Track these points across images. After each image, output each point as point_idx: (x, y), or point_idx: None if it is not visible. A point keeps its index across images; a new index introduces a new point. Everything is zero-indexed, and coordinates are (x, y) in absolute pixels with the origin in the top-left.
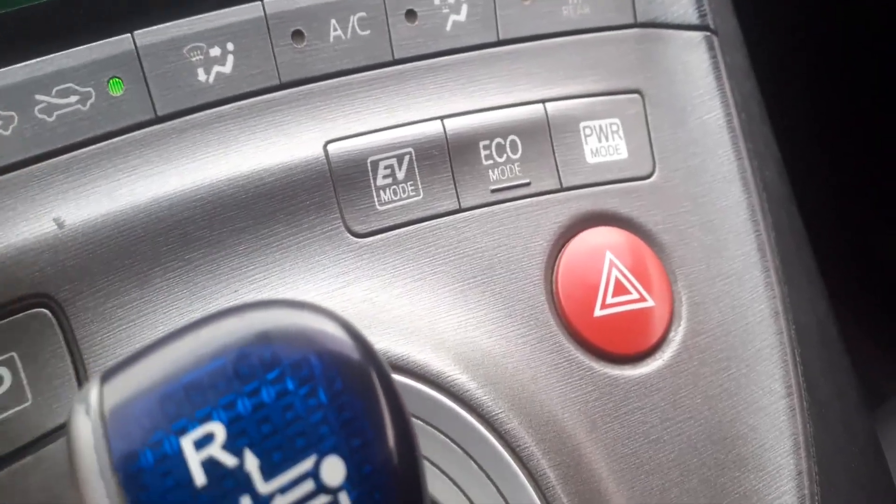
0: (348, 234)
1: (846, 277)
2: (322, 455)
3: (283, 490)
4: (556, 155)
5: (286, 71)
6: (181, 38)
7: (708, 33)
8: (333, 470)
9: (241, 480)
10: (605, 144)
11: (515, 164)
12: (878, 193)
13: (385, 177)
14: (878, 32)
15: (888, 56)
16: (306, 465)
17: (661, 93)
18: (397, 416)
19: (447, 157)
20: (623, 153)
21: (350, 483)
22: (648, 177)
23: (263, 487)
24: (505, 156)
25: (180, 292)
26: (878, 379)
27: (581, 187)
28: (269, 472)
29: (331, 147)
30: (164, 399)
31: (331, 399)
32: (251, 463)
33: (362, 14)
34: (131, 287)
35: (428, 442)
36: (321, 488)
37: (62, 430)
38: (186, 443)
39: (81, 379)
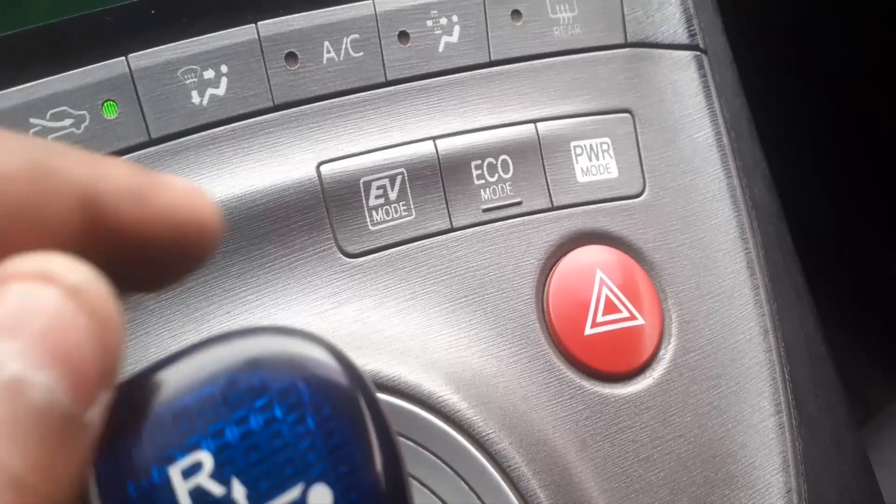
0: (341, 255)
1: (835, 292)
2: (309, 483)
3: None
4: (547, 174)
5: (280, 93)
6: (175, 61)
7: (697, 52)
8: (320, 497)
9: None
10: (595, 163)
11: (507, 184)
12: (866, 209)
13: (377, 197)
14: (868, 49)
15: (877, 73)
16: (294, 493)
17: (651, 112)
18: (384, 440)
19: (439, 178)
20: (613, 172)
21: None
22: (638, 195)
23: None
24: (496, 175)
25: (172, 314)
26: (868, 391)
27: (572, 206)
28: (256, 500)
29: (323, 168)
30: (152, 428)
31: (318, 426)
32: (238, 492)
33: (355, 36)
34: (124, 309)
35: (418, 462)
36: None
37: None
38: (174, 472)
39: None
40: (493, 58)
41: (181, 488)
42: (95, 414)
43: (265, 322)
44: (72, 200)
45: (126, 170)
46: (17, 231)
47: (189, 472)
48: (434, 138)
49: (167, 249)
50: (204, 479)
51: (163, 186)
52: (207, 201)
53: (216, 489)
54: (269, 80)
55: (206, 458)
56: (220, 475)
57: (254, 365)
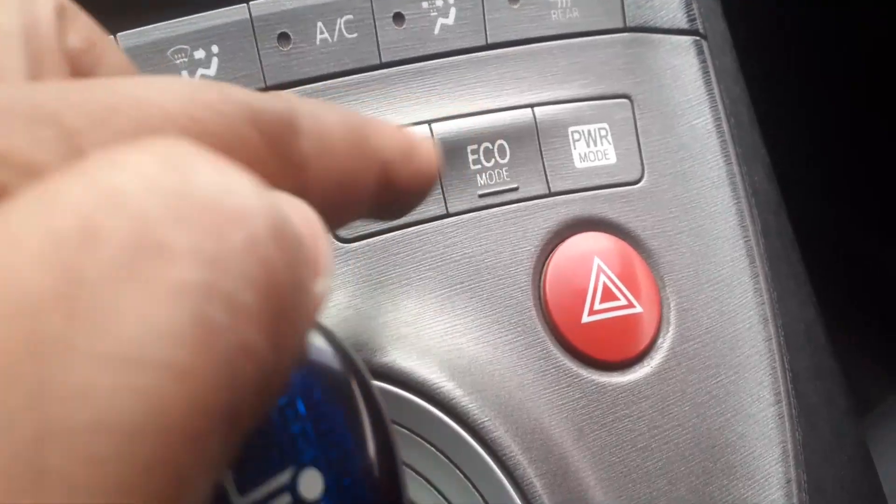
0: (334, 240)
1: (834, 283)
2: (299, 468)
3: None
4: (545, 160)
5: (272, 74)
6: (165, 41)
7: (697, 37)
8: (311, 483)
9: (215, 494)
10: (593, 149)
11: (503, 169)
12: (867, 198)
13: None
14: (869, 36)
15: (878, 60)
16: (283, 478)
17: (649, 97)
18: (378, 426)
19: None
20: (612, 158)
21: (328, 496)
22: (637, 182)
23: (239, 501)
24: (493, 160)
25: None
26: (866, 386)
27: (569, 192)
28: (244, 486)
29: None
30: None
31: (309, 410)
32: (226, 476)
33: (349, 17)
34: None
35: (413, 450)
36: (299, 502)
37: None
38: None
39: None
40: (489, 41)
41: None
42: (321, 290)
43: None
44: (376, 165)
45: (394, 133)
46: (340, 195)
47: None
48: (429, 122)
49: (410, 199)
50: None
51: (419, 146)
52: (435, 158)
53: None
54: (260, 61)
55: None
56: None
57: None
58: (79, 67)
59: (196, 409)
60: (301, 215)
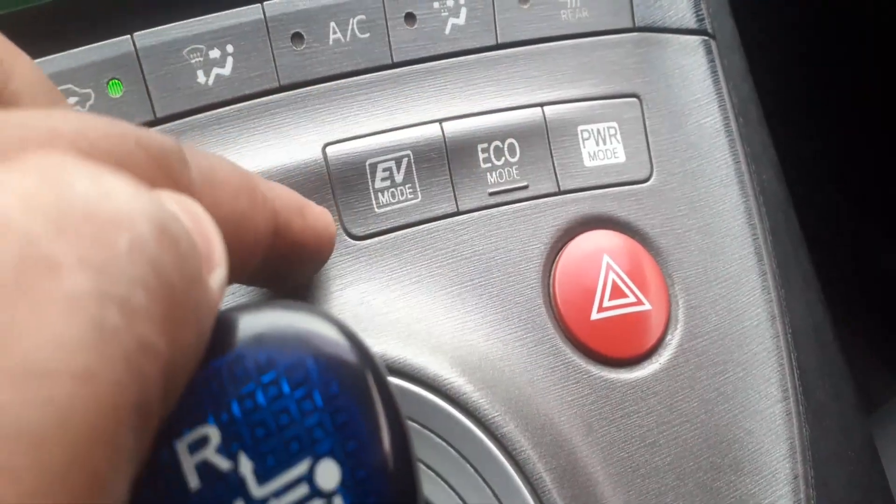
0: (346, 237)
1: (842, 283)
2: (317, 459)
3: (277, 494)
4: (554, 158)
5: (285, 73)
6: (181, 40)
7: (706, 37)
8: (328, 474)
9: (234, 484)
10: (602, 148)
11: (513, 168)
12: (876, 197)
13: (383, 179)
14: (877, 36)
15: (887, 60)
16: (301, 468)
17: (658, 97)
18: (393, 419)
19: (445, 160)
20: (621, 157)
21: (345, 487)
22: (646, 180)
23: (257, 491)
24: (503, 159)
25: None
26: (873, 385)
27: (578, 191)
28: (263, 476)
29: (329, 149)
30: None
31: (326, 402)
32: (245, 467)
33: (361, 17)
34: None
35: (424, 445)
36: (316, 492)
37: None
38: (181, 446)
39: None
40: (500, 40)
41: (187, 462)
42: (217, 282)
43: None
44: (267, 211)
45: (285, 189)
46: (235, 235)
47: (195, 447)
48: (440, 121)
49: (309, 254)
50: (211, 454)
51: (311, 206)
52: (331, 220)
53: (223, 464)
54: (274, 61)
55: (212, 432)
56: (226, 450)
57: (261, 340)
58: None
59: (103, 410)
60: (188, 210)
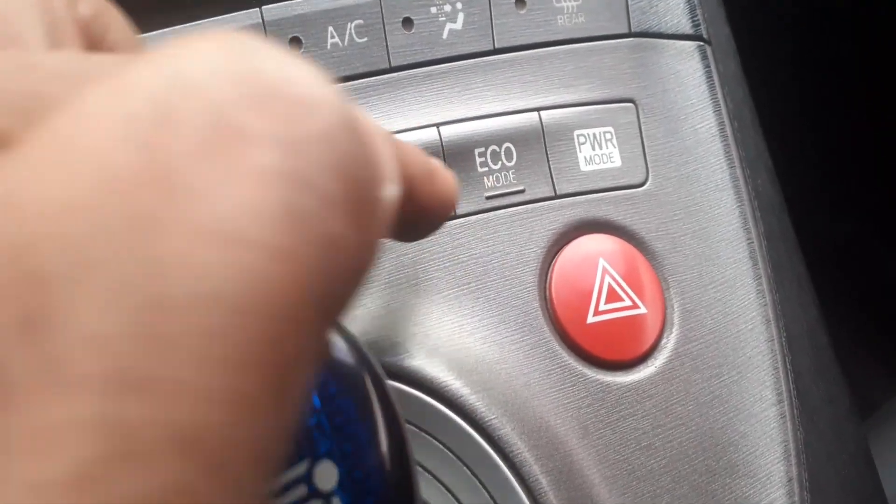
0: None
1: (836, 286)
2: (315, 460)
3: (276, 494)
4: (551, 163)
5: None
6: None
7: (701, 43)
8: (326, 475)
9: None
10: (598, 152)
11: (510, 172)
12: (869, 201)
13: None
14: (871, 41)
15: (880, 64)
16: (299, 469)
17: (654, 102)
18: (390, 421)
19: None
20: (617, 161)
21: (342, 488)
22: (642, 185)
23: None
24: (500, 163)
25: None
26: (868, 388)
27: (575, 195)
28: None
29: None
30: None
31: (324, 403)
32: None
33: (359, 21)
34: None
35: (421, 447)
36: (314, 493)
37: None
38: None
39: None
40: (496, 45)
41: None
42: (389, 195)
43: None
44: (404, 180)
45: (419, 154)
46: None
47: None
48: (438, 125)
49: (430, 219)
50: None
51: (441, 170)
52: (455, 184)
53: None
54: None
55: None
56: None
57: None
58: (90, 36)
59: (295, 292)
60: (366, 118)
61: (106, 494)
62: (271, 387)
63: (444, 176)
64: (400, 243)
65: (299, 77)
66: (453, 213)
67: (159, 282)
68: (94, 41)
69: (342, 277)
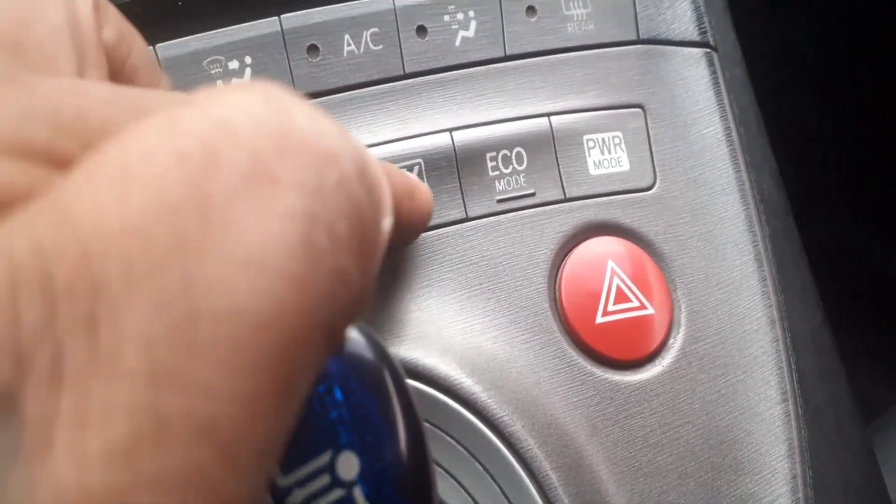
0: None
1: (839, 290)
2: (337, 451)
3: (301, 483)
4: (560, 167)
5: (301, 84)
6: (201, 52)
7: (708, 50)
8: (348, 465)
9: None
10: (607, 157)
11: (521, 176)
12: (873, 205)
13: None
14: (874, 46)
15: (883, 69)
16: (322, 459)
17: (662, 107)
18: (408, 414)
19: (455, 168)
20: (625, 165)
21: (363, 478)
22: (649, 188)
23: (282, 481)
24: (511, 167)
25: None
26: (871, 393)
27: (584, 198)
28: (287, 466)
29: None
30: None
31: (346, 397)
32: None
33: (375, 30)
34: None
35: (434, 443)
36: (336, 482)
37: None
38: None
39: None
40: (508, 52)
41: None
42: (386, 228)
43: None
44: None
45: (400, 173)
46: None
47: None
48: (450, 130)
49: (409, 233)
50: None
51: (419, 187)
52: (431, 199)
53: None
54: (291, 72)
55: None
56: None
57: None
58: (113, 60)
59: (306, 315)
60: (374, 161)
61: (137, 468)
62: (279, 391)
63: (423, 191)
64: (411, 247)
65: (324, 130)
66: (465, 216)
67: (196, 297)
68: (117, 64)
69: (345, 305)
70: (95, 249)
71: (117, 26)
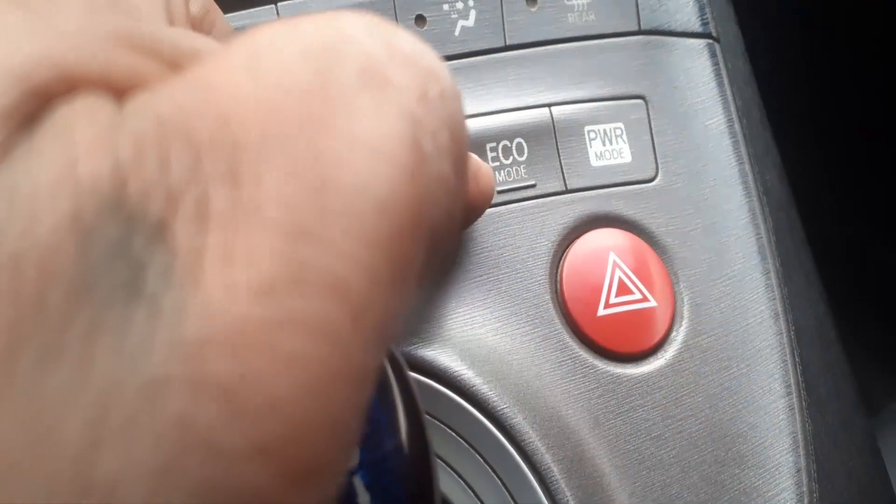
0: None
1: (843, 284)
2: None
3: None
4: (561, 158)
5: None
6: None
7: (710, 41)
8: None
9: None
10: (608, 148)
11: (521, 167)
12: (877, 198)
13: None
14: (878, 39)
15: (888, 62)
16: None
17: (664, 98)
18: (409, 405)
19: None
20: (627, 157)
21: (363, 469)
22: (651, 180)
23: None
24: (511, 158)
25: None
26: (874, 389)
27: (585, 190)
28: None
29: None
30: None
31: None
32: None
33: None
34: None
35: (434, 435)
36: None
37: None
38: None
39: None
40: (508, 42)
41: None
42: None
43: None
44: None
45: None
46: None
47: None
48: None
49: (477, 210)
50: None
51: (482, 168)
52: (493, 179)
53: None
54: None
55: None
56: None
57: None
58: (198, 32)
59: (416, 209)
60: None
61: (279, 306)
62: (393, 274)
63: (486, 171)
64: None
65: (427, 52)
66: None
67: (326, 169)
68: None
69: (445, 213)
70: (234, 116)
71: (203, 2)
